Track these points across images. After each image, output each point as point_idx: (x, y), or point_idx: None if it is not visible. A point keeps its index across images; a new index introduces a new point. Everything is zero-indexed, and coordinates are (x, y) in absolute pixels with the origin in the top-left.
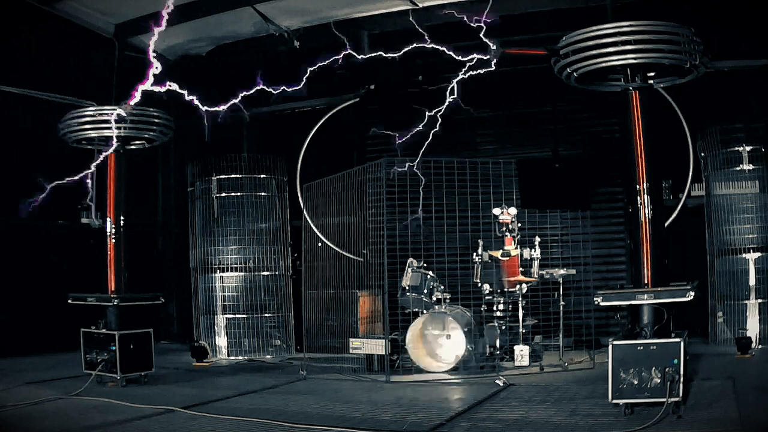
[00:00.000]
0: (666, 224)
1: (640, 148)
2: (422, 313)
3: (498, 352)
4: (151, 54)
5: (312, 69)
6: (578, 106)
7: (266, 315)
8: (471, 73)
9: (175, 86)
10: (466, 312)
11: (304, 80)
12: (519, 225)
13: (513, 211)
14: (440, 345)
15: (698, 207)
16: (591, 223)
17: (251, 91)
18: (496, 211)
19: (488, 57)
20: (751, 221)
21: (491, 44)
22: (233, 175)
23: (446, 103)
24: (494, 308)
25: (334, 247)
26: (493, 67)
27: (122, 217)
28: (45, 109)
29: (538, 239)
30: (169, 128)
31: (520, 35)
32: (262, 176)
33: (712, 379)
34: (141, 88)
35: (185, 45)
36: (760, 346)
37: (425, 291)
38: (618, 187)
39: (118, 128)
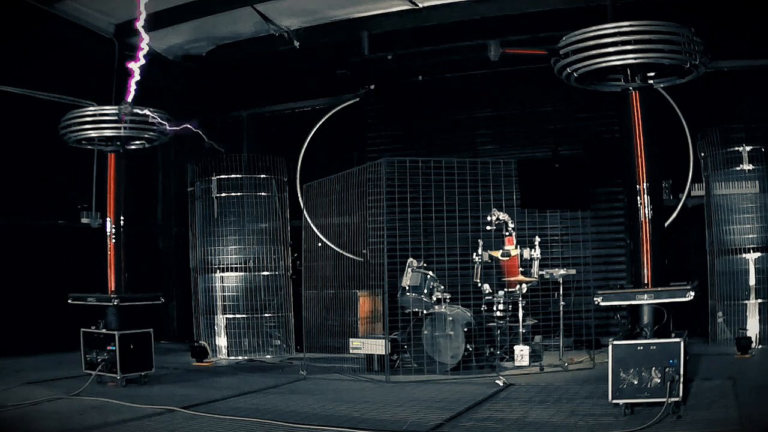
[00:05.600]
0: (666, 224)
1: (640, 148)
2: (422, 313)
3: (498, 352)
4: None
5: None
6: (578, 106)
7: (266, 315)
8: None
9: None
10: (466, 312)
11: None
12: (502, 218)
13: (502, 215)
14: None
15: (698, 207)
16: (591, 223)
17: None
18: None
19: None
20: (751, 221)
21: (491, 44)
22: (233, 175)
23: None
24: (494, 308)
25: (334, 247)
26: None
27: (122, 217)
28: (45, 109)
29: (538, 239)
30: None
31: (520, 35)
32: (262, 176)
33: (712, 379)
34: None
35: (185, 45)
36: (760, 346)
37: (425, 291)
38: (618, 187)
39: (118, 128)
